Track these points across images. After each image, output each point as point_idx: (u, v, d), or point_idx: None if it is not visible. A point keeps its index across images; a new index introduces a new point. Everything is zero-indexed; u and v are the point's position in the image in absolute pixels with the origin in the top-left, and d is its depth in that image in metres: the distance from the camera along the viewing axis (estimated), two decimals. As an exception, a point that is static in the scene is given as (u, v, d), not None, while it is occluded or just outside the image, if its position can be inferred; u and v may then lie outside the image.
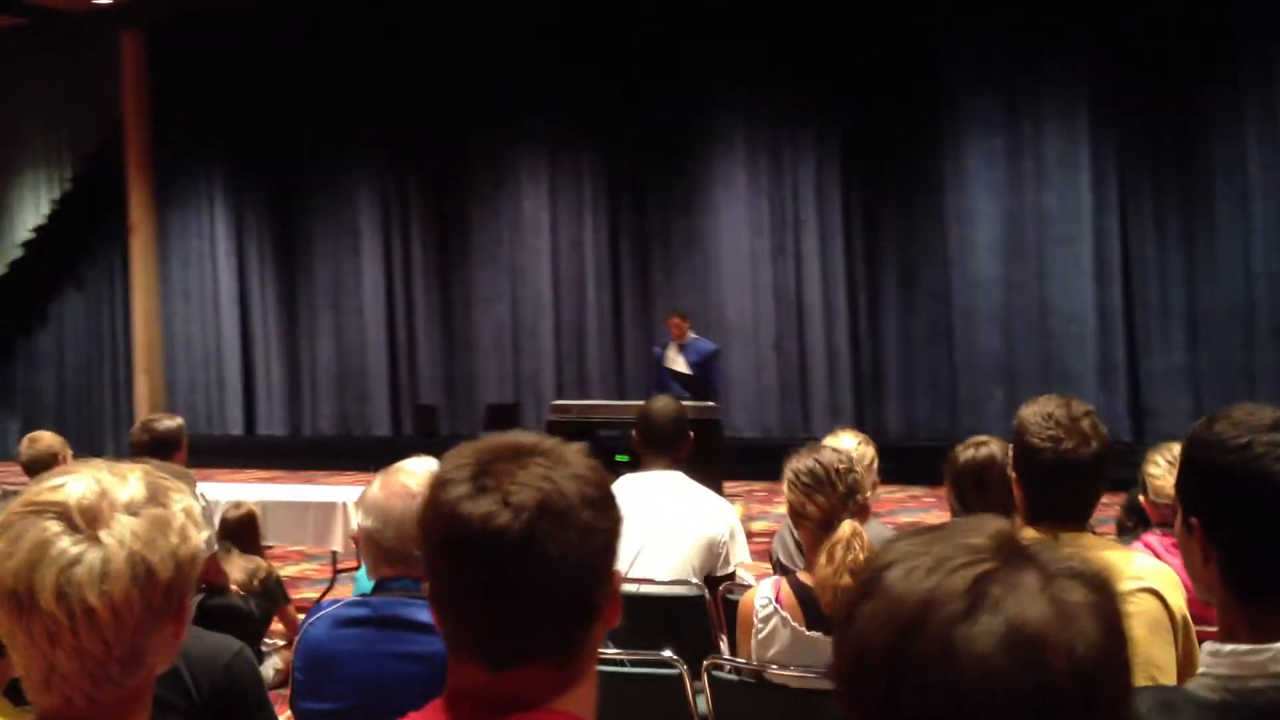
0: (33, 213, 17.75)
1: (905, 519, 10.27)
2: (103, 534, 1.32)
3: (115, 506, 1.34)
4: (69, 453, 5.39)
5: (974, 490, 3.51)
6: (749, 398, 14.02)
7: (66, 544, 1.31)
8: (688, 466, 8.68)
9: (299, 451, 15.71)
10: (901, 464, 10.03)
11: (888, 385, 13.48)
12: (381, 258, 16.45)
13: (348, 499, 7.20)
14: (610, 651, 3.19)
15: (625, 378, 14.83)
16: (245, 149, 17.06)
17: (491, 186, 15.71)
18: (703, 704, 3.14)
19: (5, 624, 1.32)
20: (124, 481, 1.37)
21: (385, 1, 15.43)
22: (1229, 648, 1.58)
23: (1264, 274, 11.57)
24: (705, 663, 3.05)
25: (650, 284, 14.84)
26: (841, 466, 2.90)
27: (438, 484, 1.32)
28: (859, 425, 13.38)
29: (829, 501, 2.87)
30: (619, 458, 9.23)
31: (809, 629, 2.82)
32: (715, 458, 9.18)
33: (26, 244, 17.85)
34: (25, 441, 5.30)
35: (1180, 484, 1.69)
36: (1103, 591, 0.95)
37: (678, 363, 10.58)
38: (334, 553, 7.37)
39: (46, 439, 5.32)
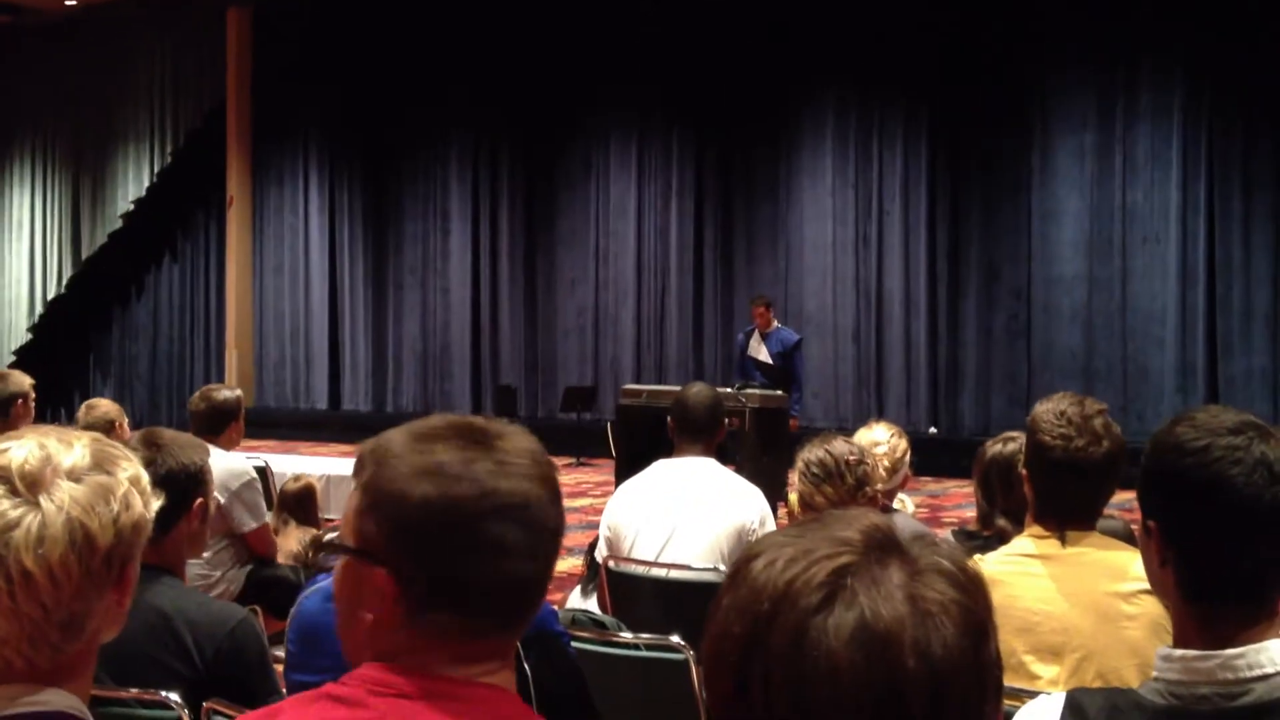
0: (134, 185, 18.22)
1: (971, 513, 10.18)
2: (42, 499, 1.33)
3: (57, 472, 1.35)
4: (125, 421, 5.50)
5: (1000, 485, 3.49)
6: (825, 388, 14.00)
7: (5, 507, 1.32)
8: (755, 453, 8.71)
9: (382, 427, 15.73)
10: (974, 459, 9.92)
11: (964, 380, 13.37)
12: (469, 238, 16.64)
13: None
14: (624, 636, 3.22)
15: (704, 364, 14.87)
16: (341, 128, 17.37)
17: (581, 170, 15.83)
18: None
19: None
20: (69, 448, 1.38)
21: (479, -14, 15.60)
22: (1179, 653, 1.57)
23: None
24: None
25: (732, 272, 14.86)
26: (852, 458, 2.91)
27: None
28: (934, 419, 13.33)
29: (837, 492, 2.89)
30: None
31: (813, 618, 2.82)
32: (783, 446, 9.16)
33: (126, 215, 18.33)
34: (84, 408, 5.41)
35: (1140, 486, 1.67)
36: (969, 590, 0.93)
37: (761, 352, 10.62)
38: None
39: (104, 406, 5.44)
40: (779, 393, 9.96)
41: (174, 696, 2.37)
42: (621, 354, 15.53)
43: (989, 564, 2.74)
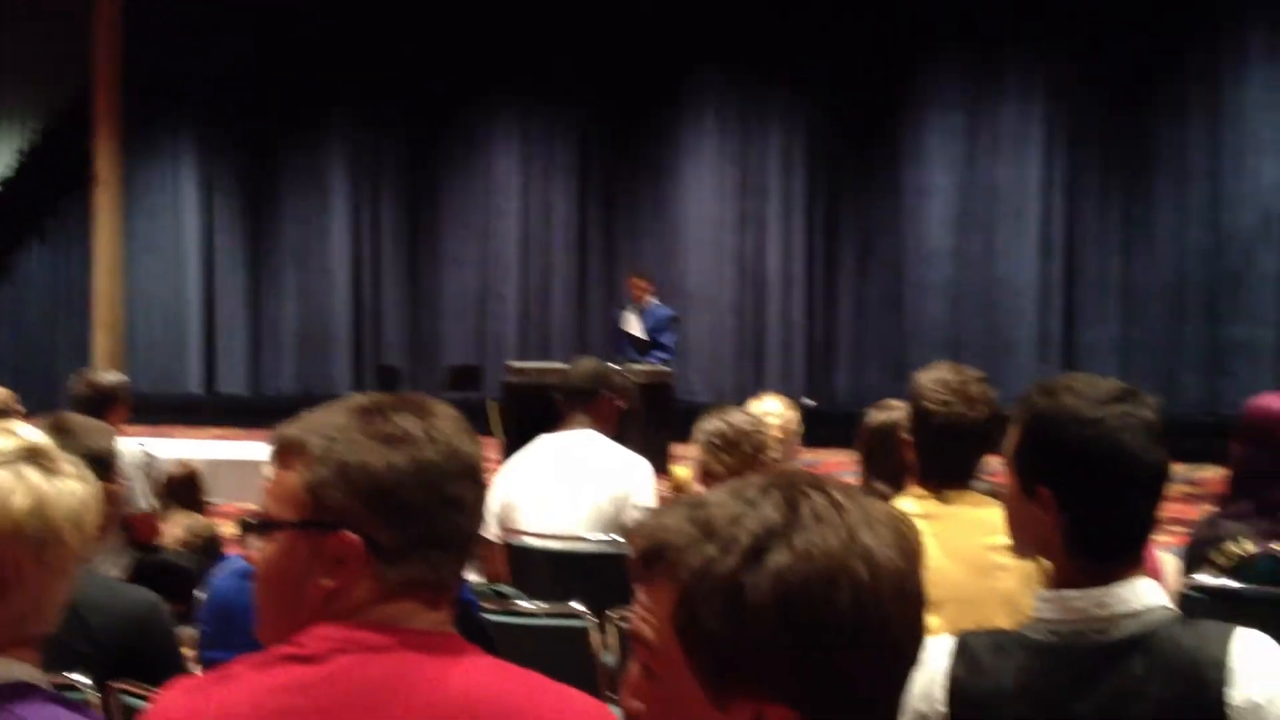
0: (-1, 165, 17.65)
1: (849, 480, 10.46)
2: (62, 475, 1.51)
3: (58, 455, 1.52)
4: (19, 408, 5.41)
5: (880, 452, 3.66)
6: (705, 362, 14.21)
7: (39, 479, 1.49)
8: (640, 427, 8.82)
9: (259, 410, 15.68)
10: (850, 430, 10.19)
11: (839, 352, 13.73)
12: (350, 217, 16.45)
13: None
14: (522, 604, 3.31)
15: (589, 342, 14.94)
16: (215, 104, 17.00)
17: (463, 148, 15.74)
18: (610, 657, 3.26)
19: None
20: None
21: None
22: (1057, 593, 1.71)
23: (1196, 252, 12.01)
24: (612, 613, 3.17)
25: (616, 249, 14.97)
26: (749, 427, 3.03)
27: None
28: (810, 390, 13.63)
29: (736, 461, 3.00)
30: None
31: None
32: (667, 421, 9.31)
33: (-9, 197, 17.75)
34: None
35: (1023, 454, 1.77)
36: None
37: (634, 326, 10.59)
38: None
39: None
40: (665, 369, 10.07)
41: (81, 678, 2.39)
42: (506, 332, 15.53)
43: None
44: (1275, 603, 3.12)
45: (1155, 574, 3.35)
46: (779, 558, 1.01)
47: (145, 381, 17.28)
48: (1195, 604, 3.27)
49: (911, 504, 2.81)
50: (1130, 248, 12.34)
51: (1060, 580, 1.72)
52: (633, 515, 3.89)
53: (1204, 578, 3.24)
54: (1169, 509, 1.74)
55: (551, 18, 14.60)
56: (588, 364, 4.35)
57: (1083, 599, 1.67)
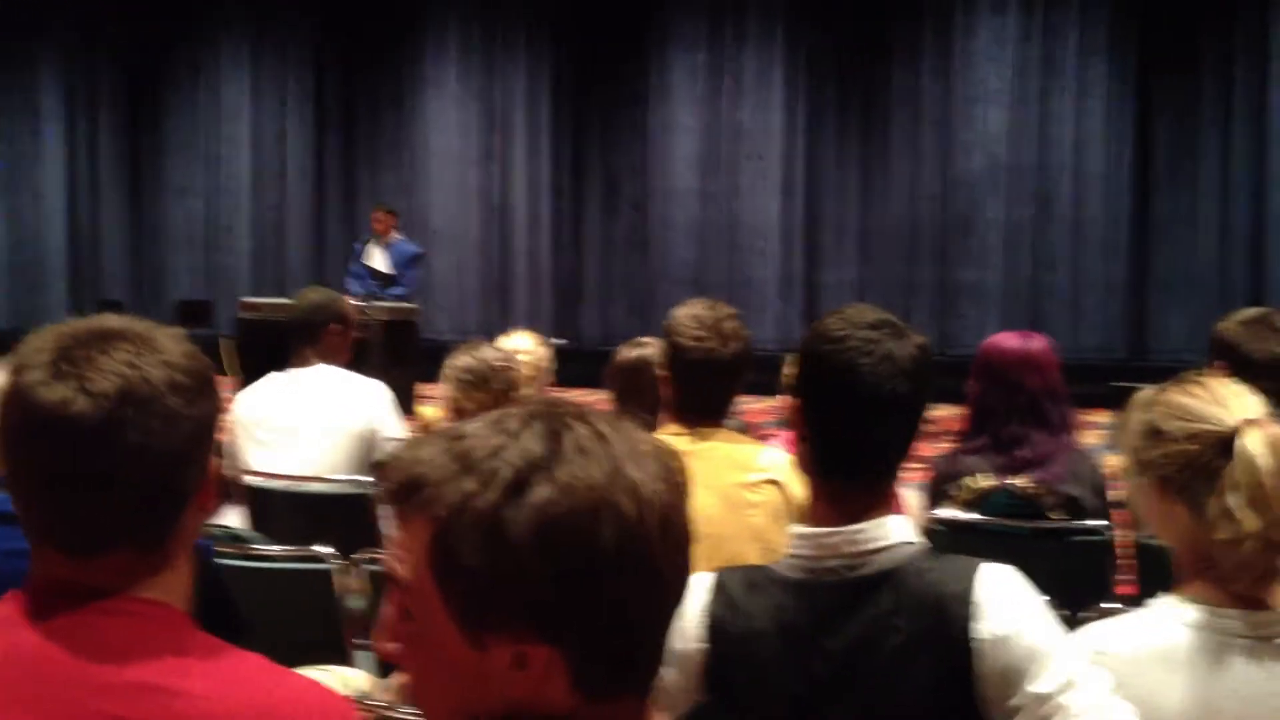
0: None
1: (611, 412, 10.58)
2: None
3: None
4: None
5: (631, 389, 3.64)
6: (450, 299, 14.00)
7: None
8: (384, 365, 8.60)
9: (-34, 344, 14.67)
10: (597, 368, 10.25)
11: (586, 291, 13.74)
12: (64, 139, 15.38)
13: None
14: (265, 548, 3.16)
15: (328, 276, 14.47)
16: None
17: (188, 72, 14.93)
18: (358, 601, 3.16)
19: None
20: None
21: None
22: (810, 530, 1.72)
23: (927, 197, 12.51)
24: (359, 556, 3.07)
25: (355, 182, 14.53)
26: (499, 365, 2.96)
27: (16, 368, 1.26)
28: (557, 329, 13.61)
29: (487, 397, 2.94)
30: (311, 357, 9.03)
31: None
32: (412, 359, 9.12)
33: None
34: None
35: (795, 370, 1.82)
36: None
37: (377, 259, 10.32)
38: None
39: None
40: (410, 305, 9.86)
41: None
42: (238, 265, 14.89)
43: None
44: (1011, 535, 3.27)
45: (900, 510, 3.48)
46: (541, 491, 0.98)
47: None
48: (938, 537, 3.39)
49: (667, 440, 2.80)
50: (866, 191, 12.78)
51: (813, 509, 1.74)
52: (384, 449, 3.76)
53: (945, 512, 3.37)
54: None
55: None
56: (313, 295, 4.16)
57: (834, 535, 1.68)
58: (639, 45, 13.28)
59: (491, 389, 2.90)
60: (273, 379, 4.11)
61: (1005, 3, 12.25)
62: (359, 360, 8.02)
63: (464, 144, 14.00)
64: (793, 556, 1.71)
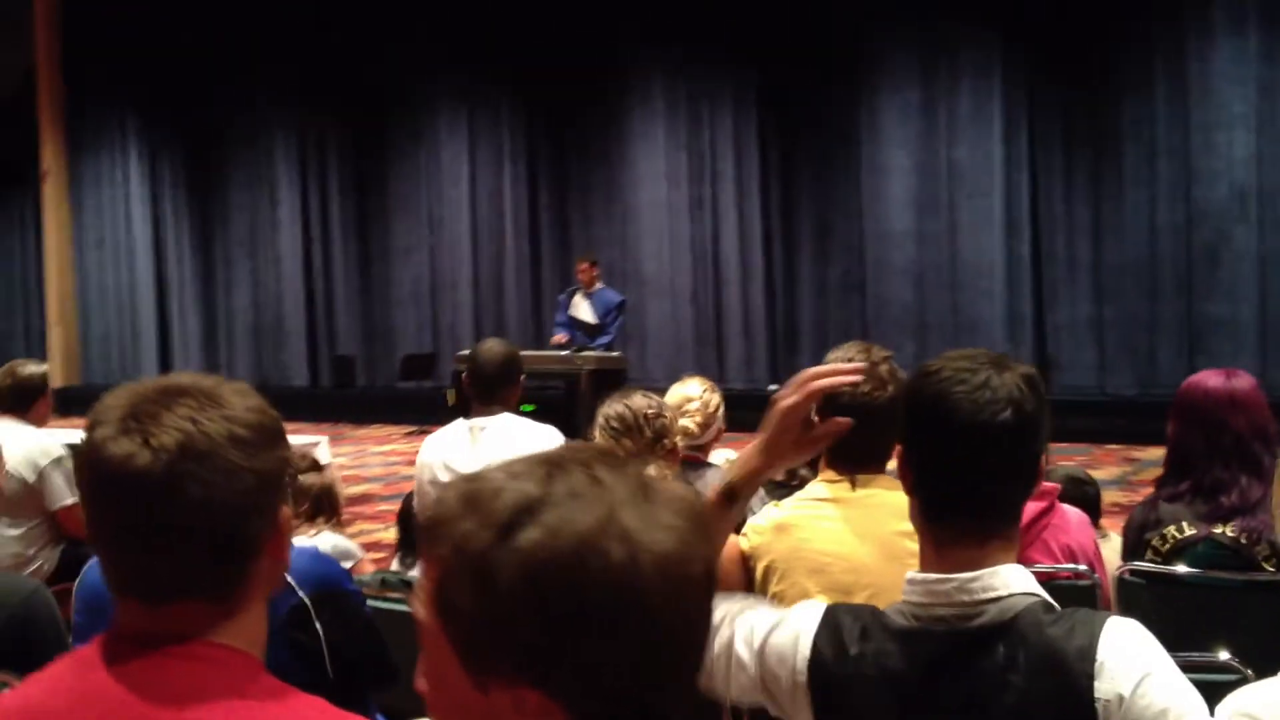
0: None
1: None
2: None
3: None
4: None
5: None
6: (665, 349, 14.05)
7: None
8: (590, 414, 8.67)
9: (216, 402, 15.55)
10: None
11: (801, 337, 13.55)
12: (299, 207, 16.27)
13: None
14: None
15: (543, 328, 14.79)
16: (160, 95, 16.76)
17: (410, 137, 15.57)
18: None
19: None
20: None
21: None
22: (921, 576, 1.64)
23: (1167, 228, 11.76)
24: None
25: (569, 235, 14.80)
26: (650, 412, 2.90)
27: (90, 424, 1.32)
28: (773, 376, 13.51)
29: (636, 445, 2.89)
30: (524, 407, 9.21)
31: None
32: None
33: (-64, 191, 17.46)
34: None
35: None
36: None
37: (582, 310, 10.48)
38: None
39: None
40: (616, 354, 9.94)
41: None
42: (460, 320, 15.37)
43: (784, 510, 2.76)
44: (1218, 588, 3.01)
45: (1071, 547, 3.24)
46: (529, 535, 0.96)
47: (100, 375, 17.10)
48: (1135, 590, 3.16)
49: (822, 489, 2.69)
50: (1099, 225, 12.14)
51: (923, 556, 1.67)
52: None
53: (1144, 564, 3.13)
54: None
55: (490, 4, 14.41)
56: (496, 347, 4.20)
57: (946, 582, 1.61)
58: (849, 87, 13.09)
59: (641, 437, 2.83)
60: (458, 425, 4.17)
61: (1244, 22, 11.48)
62: (573, 408, 8.14)
63: (674, 193, 14.09)
64: (905, 603, 1.64)
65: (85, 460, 1.31)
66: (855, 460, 2.65)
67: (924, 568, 1.64)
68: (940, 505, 1.63)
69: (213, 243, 16.80)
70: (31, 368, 5.14)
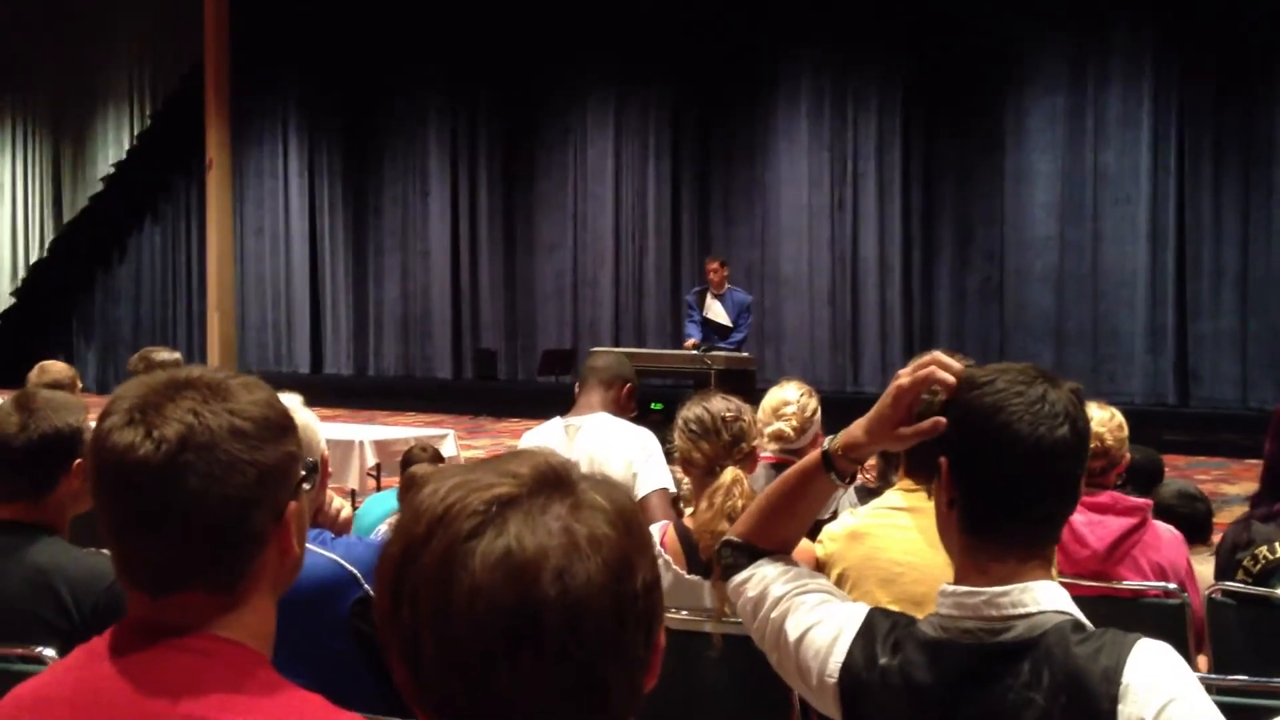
0: (115, 148, 18.18)
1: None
2: None
3: None
4: (79, 384, 5.47)
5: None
6: (801, 350, 14.03)
7: None
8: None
9: (363, 391, 16.04)
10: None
11: (938, 342, 13.36)
12: (449, 201, 16.63)
13: (365, 437, 7.35)
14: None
15: (680, 327, 14.86)
16: (320, 90, 17.32)
17: (558, 134, 15.80)
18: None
19: None
20: None
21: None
22: (953, 588, 1.62)
23: (1316, 241, 11.34)
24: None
25: (710, 235, 14.87)
26: (729, 415, 2.94)
27: (101, 415, 1.34)
28: (907, 381, 13.36)
29: (713, 449, 2.91)
30: (654, 405, 9.30)
31: (689, 573, 2.86)
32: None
33: (107, 179, 18.29)
34: (35, 370, 5.37)
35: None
36: (621, 528, 0.98)
37: (713, 310, 10.55)
38: (352, 491, 7.51)
39: (56, 369, 5.41)
40: (744, 354, 9.98)
41: (50, 651, 2.39)
42: (600, 317, 15.55)
43: (858, 518, 2.78)
44: (1307, 611, 2.94)
45: (1162, 565, 3.20)
46: (390, 548, 0.98)
47: (255, 361, 17.75)
48: (1226, 611, 3.11)
49: (898, 497, 2.72)
50: (1246, 236, 11.77)
51: (959, 568, 1.64)
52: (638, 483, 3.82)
53: (1235, 584, 3.08)
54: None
55: (641, 3, 14.53)
56: (608, 355, 4.35)
57: (975, 596, 1.59)
58: (996, 91, 12.89)
59: (720, 440, 2.87)
60: (555, 422, 4.26)
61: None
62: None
63: (815, 195, 14.05)
64: (937, 614, 1.63)
65: (92, 450, 1.33)
66: (934, 469, 2.66)
67: (959, 577, 1.63)
68: (986, 520, 1.61)
69: (365, 234, 17.28)
70: (164, 353, 5.31)
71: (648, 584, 0.99)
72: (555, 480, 0.99)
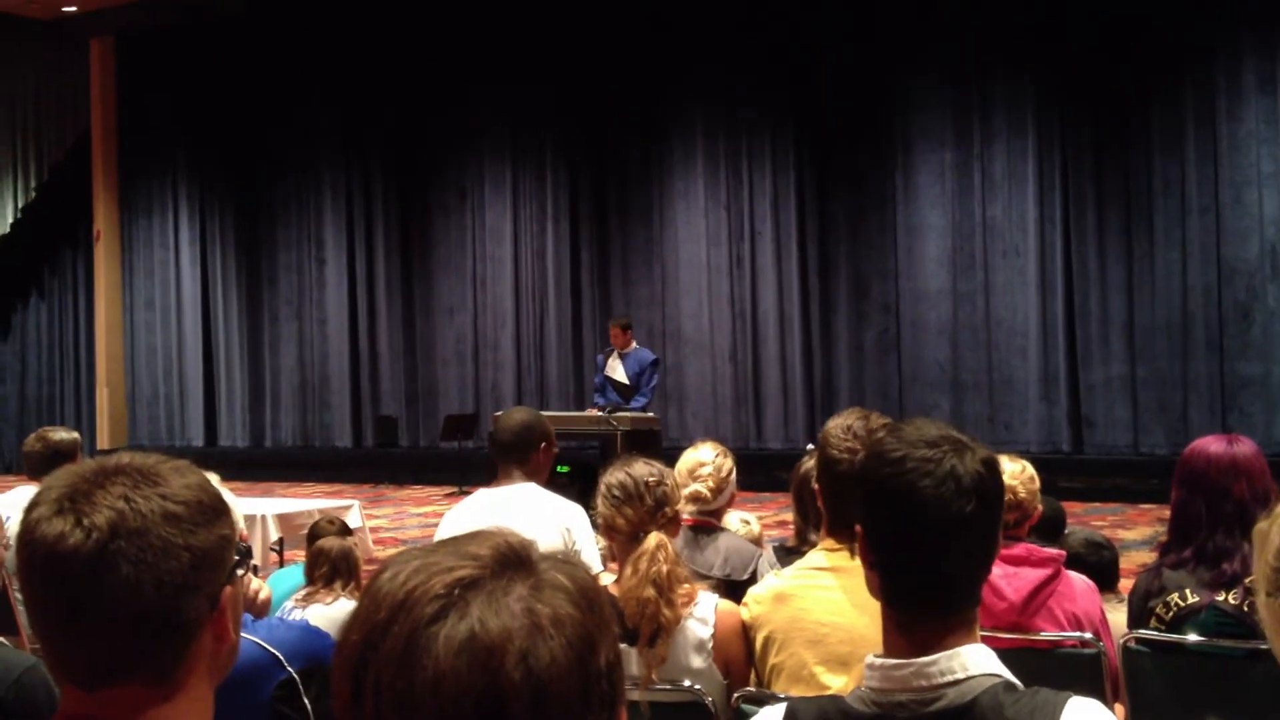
0: (-2, 221, 17.77)
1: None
2: None
3: None
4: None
5: (798, 501, 3.55)
6: (704, 407, 14.10)
7: None
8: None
9: (261, 463, 15.74)
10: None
11: (839, 395, 13.54)
12: (345, 267, 16.48)
13: (266, 510, 7.21)
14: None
15: (584, 388, 14.88)
16: (210, 159, 17.12)
17: (455, 197, 15.78)
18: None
19: None
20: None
21: (348, 15, 15.49)
22: (880, 660, 1.62)
23: (1199, 287, 11.75)
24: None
25: (610, 295, 14.91)
26: (651, 480, 2.93)
27: (29, 506, 1.31)
28: (810, 435, 13.50)
29: (637, 514, 2.90)
30: (560, 468, 9.25)
31: (616, 640, 2.83)
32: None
33: (-10, 253, 17.85)
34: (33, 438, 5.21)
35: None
36: (584, 606, 0.97)
37: (617, 371, 10.56)
38: (254, 567, 7.35)
39: (57, 436, 5.19)
40: (650, 415, 9.99)
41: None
42: (502, 379, 15.48)
43: (783, 579, 2.78)
44: (1223, 656, 3.00)
45: (1077, 615, 3.25)
46: (350, 634, 0.97)
47: (147, 436, 17.34)
48: (1140, 659, 3.16)
49: (821, 557, 2.71)
50: (1131, 284, 12.13)
51: (885, 636, 1.65)
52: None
53: (1148, 632, 3.13)
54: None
55: (535, 65, 14.64)
56: (515, 414, 4.25)
57: (904, 668, 1.59)
58: (886, 147, 13.19)
59: (644, 505, 2.86)
60: (480, 495, 4.19)
61: (1273, 81, 11.49)
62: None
63: (713, 252, 14.20)
64: (865, 688, 1.62)
65: (21, 542, 1.29)
66: (852, 529, 2.67)
67: (886, 645, 1.63)
68: (903, 589, 1.63)
69: (260, 303, 17.04)
70: (62, 433, 5.21)
71: (610, 662, 0.98)
72: (516, 561, 0.98)
